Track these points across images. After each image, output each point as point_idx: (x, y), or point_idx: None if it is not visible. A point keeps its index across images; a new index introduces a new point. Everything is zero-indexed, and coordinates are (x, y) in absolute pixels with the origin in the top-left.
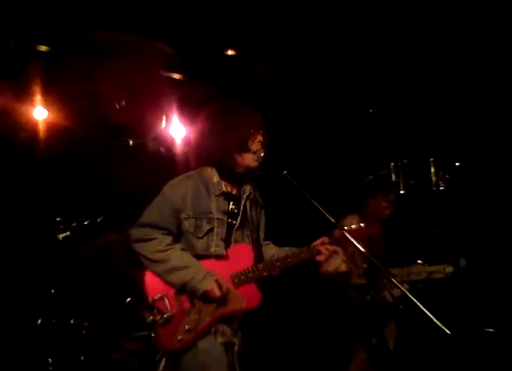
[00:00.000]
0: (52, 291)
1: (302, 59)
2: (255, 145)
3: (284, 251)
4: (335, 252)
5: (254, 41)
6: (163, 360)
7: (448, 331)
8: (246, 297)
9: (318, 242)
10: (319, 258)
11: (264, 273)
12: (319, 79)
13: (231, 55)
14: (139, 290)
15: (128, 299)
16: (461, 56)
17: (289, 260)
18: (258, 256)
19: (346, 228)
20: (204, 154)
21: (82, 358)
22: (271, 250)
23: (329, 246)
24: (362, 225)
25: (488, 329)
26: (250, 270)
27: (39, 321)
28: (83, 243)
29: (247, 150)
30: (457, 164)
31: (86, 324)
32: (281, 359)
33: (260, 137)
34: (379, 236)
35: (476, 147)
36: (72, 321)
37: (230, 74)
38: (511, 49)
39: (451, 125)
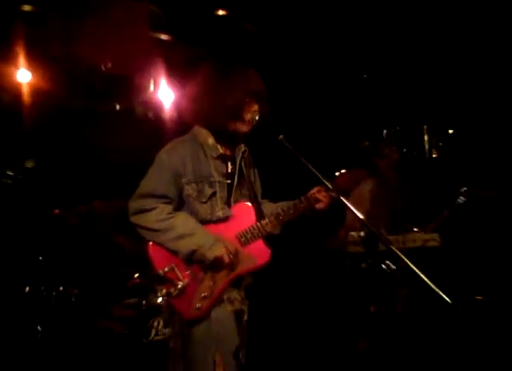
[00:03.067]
0: (40, 258)
1: (296, 21)
2: (250, 114)
3: (282, 205)
4: (334, 198)
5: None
6: (168, 328)
7: (449, 300)
8: (255, 255)
9: (314, 190)
10: (319, 206)
11: (269, 229)
12: (314, 43)
13: (222, 15)
14: (128, 257)
15: (137, 274)
16: (454, 25)
17: (291, 211)
18: (259, 214)
19: (343, 171)
20: (195, 118)
21: (71, 325)
22: (269, 207)
23: (325, 193)
24: (343, 171)
25: (478, 297)
26: (255, 227)
27: (27, 288)
28: (69, 209)
29: (240, 118)
30: (450, 131)
31: (75, 291)
32: (283, 332)
33: (255, 107)
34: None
35: (469, 114)
36: (61, 289)
37: (220, 35)
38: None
39: (444, 93)
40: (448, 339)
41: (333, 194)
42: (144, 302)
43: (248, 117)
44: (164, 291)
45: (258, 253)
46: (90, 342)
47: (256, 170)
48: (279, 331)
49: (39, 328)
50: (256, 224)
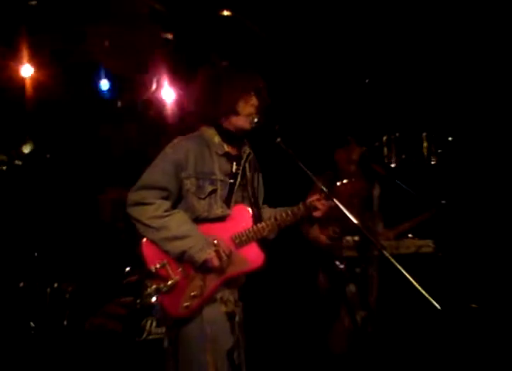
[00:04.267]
0: (36, 254)
1: (298, 26)
2: (248, 108)
3: (280, 211)
4: (331, 206)
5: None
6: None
7: (439, 306)
8: (249, 258)
9: (313, 198)
10: (316, 214)
11: (264, 233)
12: (317, 46)
13: (226, 15)
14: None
15: (128, 268)
16: (454, 30)
17: (288, 218)
18: (257, 217)
19: (345, 181)
20: (200, 118)
21: (65, 322)
22: (267, 212)
23: (324, 202)
24: (345, 181)
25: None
26: (251, 230)
27: (22, 284)
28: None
29: (237, 113)
30: (450, 138)
31: (70, 288)
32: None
33: (254, 101)
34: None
35: (469, 122)
36: (55, 285)
37: (223, 35)
38: (502, 23)
39: (444, 100)
40: (438, 345)
41: (331, 202)
42: (138, 301)
43: (247, 110)
44: (154, 286)
45: (252, 256)
46: (83, 340)
47: (260, 176)
48: (273, 333)
49: (32, 324)
50: (253, 227)
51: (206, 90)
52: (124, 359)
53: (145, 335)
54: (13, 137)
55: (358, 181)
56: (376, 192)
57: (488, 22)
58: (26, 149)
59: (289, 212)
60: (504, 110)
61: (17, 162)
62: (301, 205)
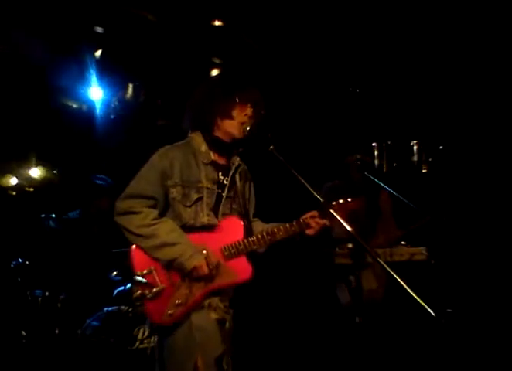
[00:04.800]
0: (27, 262)
1: (291, 34)
2: (241, 116)
3: (272, 226)
4: (325, 225)
5: (242, 13)
6: (152, 339)
7: (433, 313)
8: (237, 271)
9: (307, 215)
10: (309, 232)
11: (255, 247)
12: (308, 56)
13: (218, 26)
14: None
15: (114, 272)
16: (444, 38)
17: (280, 233)
18: (248, 231)
19: (333, 203)
20: (190, 122)
21: (56, 331)
22: (259, 226)
23: (319, 220)
24: (349, 199)
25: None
26: (241, 243)
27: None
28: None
29: (230, 117)
30: (440, 147)
31: (61, 296)
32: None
33: (249, 111)
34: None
35: (460, 131)
36: (47, 294)
37: (216, 46)
38: (493, 29)
39: (435, 108)
40: (432, 352)
41: (326, 221)
42: (130, 310)
43: (241, 118)
44: (139, 292)
45: (240, 269)
46: (75, 348)
47: (252, 188)
48: (265, 339)
49: (23, 333)
50: (243, 240)
51: (205, 93)
52: (116, 368)
53: (137, 344)
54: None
55: (355, 201)
56: (384, 197)
57: (476, 31)
58: (36, 174)
59: (281, 228)
60: (495, 118)
61: (28, 189)
62: (294, 222)
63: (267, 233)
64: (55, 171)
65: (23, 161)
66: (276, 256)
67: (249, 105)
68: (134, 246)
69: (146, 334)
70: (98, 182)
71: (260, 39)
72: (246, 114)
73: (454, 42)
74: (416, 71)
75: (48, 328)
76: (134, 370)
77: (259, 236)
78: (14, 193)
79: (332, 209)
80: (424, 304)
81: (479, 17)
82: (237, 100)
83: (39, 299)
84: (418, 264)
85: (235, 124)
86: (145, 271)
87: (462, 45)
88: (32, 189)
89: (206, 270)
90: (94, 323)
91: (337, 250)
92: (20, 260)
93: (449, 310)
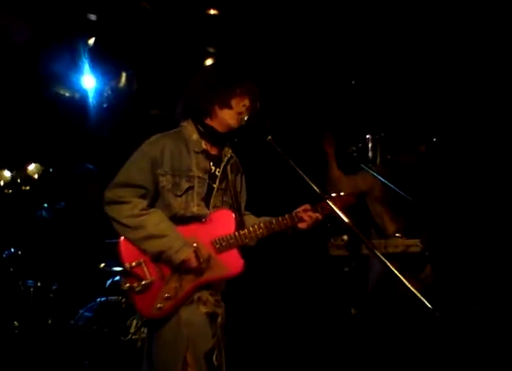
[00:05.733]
0: (19, 252)
1: (284, 26)
2: (239, 107)
3: (264, 220)
4: (318, 219)
5: (237, 2)
6: (142, 328)
7: (430, 305)
8: (228, 264)
9: (300, 209)
10: (301, 225)
11: (246, 240)
12: (304, 47)
13: (213, 15)
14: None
15: (102, 264)
16: (435, 31)
17: (272, 226)
18: (239, 224)
19: (333, 195)
20: (183, 110)
21: (49, 321)
22: (251, 220)
23: (311, 214)
24: (342, 194)
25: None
26: (232, 236)
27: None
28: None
29: (229, 106)
30: (434, 139)
31: (54, 287)
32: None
33: (247, 102)
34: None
35: (453, 123)
36: (39, 284)
37: (211, 35)
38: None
39: (430, 101)
40: (426, 344)
41: (318, 215)
42: (124, 300)
43: (238, 108)
44: (127, 285)
45: (231, 262)
46: (68, 339)
47: (244, 181)
48: (259, 334)
49: (16, 323)
50: (234, 233)
51: (203, 82)
52: (109, 359)
53: (130, 335)
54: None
55: (347, 197)
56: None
57: (464, 23)
58: (34, 172)
59: (273, 222)
60: (489, 111)
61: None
62: (287, 216)
63: (259, 227)
64: (46, 165)
65: (15, 153)
66: (270, 249)
67: (247, 97)
68: (123, 237)
69: (140, 324)
70: (79, 171)
71: (255, 29)
72: (244, 105)
73: (446, 35)
74: (410, 63)
75: (40, 319)
76: (128, 361)
77: (251, 229)
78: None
79: (330, 201)
80: (420, 296)
81: (466, 11)
82: (238, 91)
83: (32, 289)
84: (413, 256)
85: (233, 113)
86: (133, 263)
87: (453, 38)
88: (24, 181)
89: (194, 263)
90: (87, 314)
91: (332, 241)
92: (12, 250)
93: (443, 302)
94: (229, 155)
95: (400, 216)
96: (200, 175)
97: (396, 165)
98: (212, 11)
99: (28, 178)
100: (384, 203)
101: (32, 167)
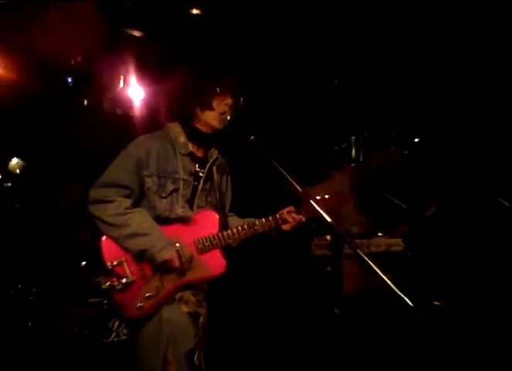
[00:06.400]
0: None
1: (269, 25)
2: (221, 106)
3: (248, 221)
4: (301, 221)
5: (220, 1)
6: (124, 329)
7: (411, 304)
8: (210, 265)
9: (284, 211)
10: (285, 227)
11: (230, 241)
12: (287, 47)
13: (195, 14)
14: (90, 253)
15: (83, 263)
16: (422, 30)
17: (256, 227)
18: (223, 224)
19: (318, 197)
20: (168, 113)
21: (29, 323)
22: (235, 221)
23: (295, 215)
24: (326, 196)
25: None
26: (216, 236)
27: None
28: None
29: (210, 107)
30: (416, 140)
31: (34, 289)
32: (247, 333)
33: (229, 101)
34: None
35: (435, 123)
36: (19, 286)
37: (193, 34)
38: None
39: (412, 101)
40: (408, 343)
41: (302, 217)
42: (105, 302)
43: (221, 108)
44: (108, 283)
45: (214, 263)
46: (48, 342)
47: (229, 181)
48: (241, 333)
49: None
50: (217, 234)
51: (184, 82)
52: (91, 361)
53: (112, 337)
54: None
55: (335, 198)
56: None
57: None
58: (15, 169)
59: (257, 223)
60: (472, 111)
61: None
62: (270, 218)
63: (243, 228)
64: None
65: None
66: (253, 248)
67: (229, 95)
68: (104, 236)
69: (122, 326)
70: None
71: (239, 29)
72: (226, 104)
73: (428, 37)
74: (393, 64)
75: (20, 321)
76: (110, 363)
77: (234, 230)
78: None
79: (313, 202)
80: (401, 295)
81: (455, 10)
82: (217, 90)
83: (11, 291)
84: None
85: (215, 114)
86: (115, 262)
87: (438, 36)
88: (4, 177)
89: (177, 263)
90: (68, 315)
91: (316, 241)
92: None
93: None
94: (215, 156)
95: (364, 218)
96: (186, 177)
97: (365, 166)
98: (194, 11)
99: (9, 174)
100: (351, 205)
101: (14, 162)
